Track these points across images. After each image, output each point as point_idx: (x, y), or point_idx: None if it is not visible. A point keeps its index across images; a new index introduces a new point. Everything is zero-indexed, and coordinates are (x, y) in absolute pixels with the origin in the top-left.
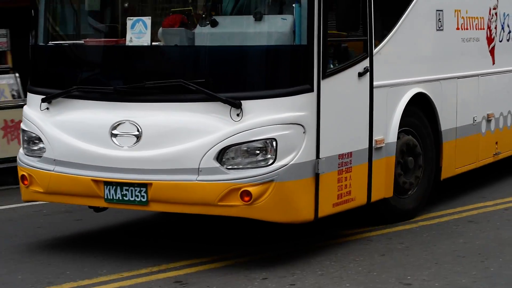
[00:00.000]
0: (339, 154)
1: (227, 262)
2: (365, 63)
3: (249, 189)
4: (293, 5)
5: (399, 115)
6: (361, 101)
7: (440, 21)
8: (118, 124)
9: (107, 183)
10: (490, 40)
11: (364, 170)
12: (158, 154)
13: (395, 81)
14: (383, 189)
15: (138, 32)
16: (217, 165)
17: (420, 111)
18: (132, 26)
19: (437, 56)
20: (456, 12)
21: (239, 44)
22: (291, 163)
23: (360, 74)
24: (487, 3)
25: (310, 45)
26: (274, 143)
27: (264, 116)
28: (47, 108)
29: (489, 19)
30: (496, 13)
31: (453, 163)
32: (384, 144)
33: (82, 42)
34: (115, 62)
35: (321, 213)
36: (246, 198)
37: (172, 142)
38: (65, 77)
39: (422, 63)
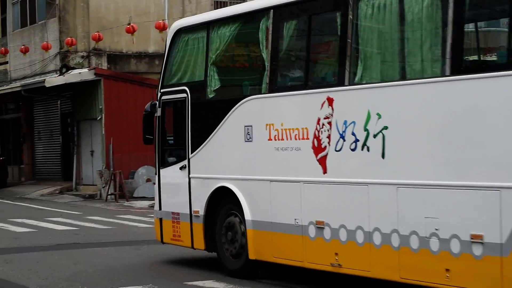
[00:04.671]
0: (171, 212)
1: None
2: (184, 162)
3: None
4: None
5: (205, 198)
6: (183, 185)
7: (249, 134)
8: None
9: None
10: (318, 149)
11: (188, 226)
12: None
13: (206, 175)
14: (202, 243)
15: None
16: None
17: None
18: None
19: (246, 161)
20: (268, 126)
21: None
22: (154, 208)
23: (181, 168)
24: (315, 113)
25: (156, 148)
26: None
27: None
28: None
29: (316, 129)
30: (329, 123)
31: (266, 250)
32: (199, 215)
33: None
34: None
35: (165, 240)
36: None
37: None
38: None
39: (231, 166)
